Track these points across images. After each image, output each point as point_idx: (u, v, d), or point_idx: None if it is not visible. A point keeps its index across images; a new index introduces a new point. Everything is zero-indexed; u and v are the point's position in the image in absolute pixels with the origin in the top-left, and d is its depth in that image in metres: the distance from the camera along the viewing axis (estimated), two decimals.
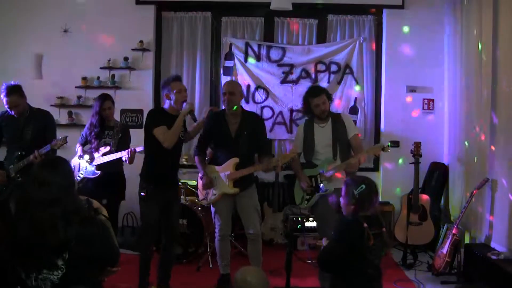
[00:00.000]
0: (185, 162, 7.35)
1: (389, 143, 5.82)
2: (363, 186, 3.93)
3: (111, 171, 6.34)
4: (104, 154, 6.23)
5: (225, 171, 5.66)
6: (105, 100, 6.44)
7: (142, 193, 5.40)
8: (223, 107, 5.80)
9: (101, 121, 6.39)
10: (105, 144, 6.33)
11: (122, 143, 6.39)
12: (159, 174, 5.42)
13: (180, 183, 6.42)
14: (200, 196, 5.94)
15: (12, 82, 5.79)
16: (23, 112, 5.84)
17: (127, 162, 5.96)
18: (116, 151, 6.21)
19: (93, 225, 3.06)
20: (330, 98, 5.80)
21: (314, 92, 5.78)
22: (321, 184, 5.60)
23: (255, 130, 5.69)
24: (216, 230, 5.78)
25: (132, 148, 5.88)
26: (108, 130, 6.43)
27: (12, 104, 5.72)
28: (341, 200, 4.05)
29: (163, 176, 5.45)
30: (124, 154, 5.97)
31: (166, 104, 5.43)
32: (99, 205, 3.52)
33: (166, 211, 5.51)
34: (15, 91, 5.72)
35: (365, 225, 3.79)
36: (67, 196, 3.01)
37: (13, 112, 5.78)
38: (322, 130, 5.71)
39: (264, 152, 5.86)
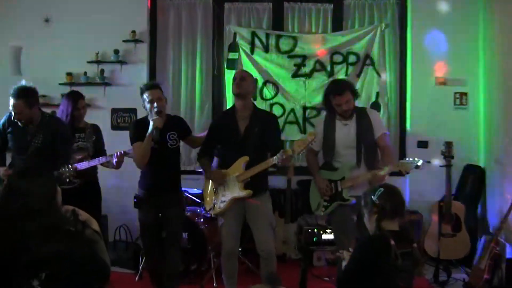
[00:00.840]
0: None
1: (425, 161, 5.68)
2: (381, 189, 3.86)
3: (87, 180, 6.18)
4: (79, 161, 6.06)
5: (233, 173, 5.56)
6: (79, 98, 6.35)
7: (135, 199, 5.71)
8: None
9: (71, 124, 6.24)
10: (80, 149, 6.22)
11: (98, 147, 6.37)
12: (152, 182, 5.65)
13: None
14: (207, 206, 5.86)
15: (25, 83, 5.64)
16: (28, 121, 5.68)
17: (114, 166, 5.83)
18: (94, 156, 6.12)
19: (75, 241, 2.98)
20: (356, 94, 5.77)
21: (337, 89, 5.69)
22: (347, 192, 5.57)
23: (267, 128, 5.61)
24: (222, 246, 5.68)
25: (121, 151, 5.77)
26: (78, 132, 6.30)
27: (14, 109, 5.57)
28: (365, 219, 3.95)
29: (157, 185, 5.64)
30: (112, 158, 5.85)
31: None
32: (87, 216, 3.43)
33: (164, 217, 5.64)
34: (21, 96, 5.56)
35: (392, 242, 3.67)
36: (48, 208, 2.96)
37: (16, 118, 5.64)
38: (345, 129, 5.68)
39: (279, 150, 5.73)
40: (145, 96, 5.52)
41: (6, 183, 3.08)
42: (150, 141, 5.43)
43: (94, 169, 6.18)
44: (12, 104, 5.55)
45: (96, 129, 6.51)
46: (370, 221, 3.87)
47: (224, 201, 5.61)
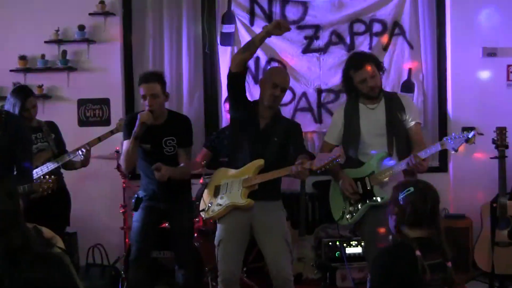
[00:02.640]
0: None
1: (476, 133, 5.39)
2: (411, 189, 3.88)
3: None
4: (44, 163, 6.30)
5: (242, 175, 5.60)
6: (27, 96, 6.42)
7: (134, 200, 5.94)
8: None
9: None
10: (41, 151, 6.40)
11: (59, 144, 6.57)
12: (148, 186, 5.95)
13: None
14: (201, 206, 5.93)
15: None
16: None
17: (81, 162, 6.14)
18: (59, 156, 6.38)
19: (46, 265, 2.99)
20: (381, 68, 5.78)
21: (358, 61, 5.72)
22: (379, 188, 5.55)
23: (290, 138, 5.67)
24: (219, 272, 5.59)
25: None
26: (34, 133, 6.43)
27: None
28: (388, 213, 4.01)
29: (151, 189, 5.93)
30: (77, 153, 6.01)
31: None
32: (51, 234, 3.48)
33: (170, 232, 6.05)
34: None
35: (418, 252, 3.69)
36: (13, 226, 2.96)
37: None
38: (372, 114, 5.70)
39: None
40: (140, 89, 5.76)
41: None
42: (135, 140, 5.59)
43: (59, 172, 6.33)
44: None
45: (52, 126, 6.69)
46: (391, 221, 3.94)
47: (220, 205, 5.62)
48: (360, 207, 5.60)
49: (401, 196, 3.87)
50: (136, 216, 5.93)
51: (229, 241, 5.53)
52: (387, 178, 5.50)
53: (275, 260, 5.45)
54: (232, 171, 5.71)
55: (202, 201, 5.91)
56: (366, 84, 5.60)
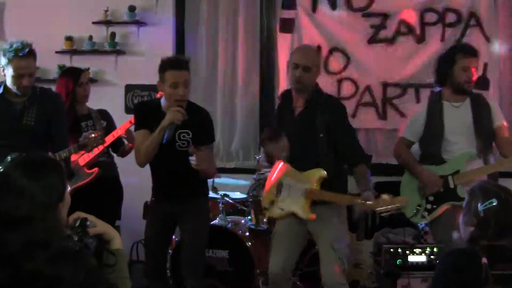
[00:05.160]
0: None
1: None
2: (494, 201, 3.73)
3: (104, 174, 6.42)
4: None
5: (304, 182, 5.55)
6: (81, 71, 6.58)
7: (145, 208, 6.08)
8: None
9: (71, 110, 6.42)
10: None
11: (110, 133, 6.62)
12: (160, 186, 5.80)
13: (214, 195, 6.74)
14: (263, 201, 5.88)
15: (17, 42, 5.59)
16: (27, 89, 5.68)
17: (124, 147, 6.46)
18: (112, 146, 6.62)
19: (66, 263, 2.86)
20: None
21: (472, 49, 5.90)
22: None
23: (333, 124, 5.58)
24: (269, 265, 5.72)
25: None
26: (84, 120, 6.53)
27: (25, 70, 5.52)
28: (461, 220, 3.93)
29: (164, 189, 5.77)
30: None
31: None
32: (106, 228, 3.28)
33: (180, 234, 5.96)
34: (32, 54, 5.56)
35: (484, 260, 3.53)
36: (41, 219, 2.86)
37: (15, 89, 5.59)
38: (457, 112, 5.79)
39: (358, 161, 5.67)
40: (168, 75, 5.43)
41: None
42: (160, 138, 5.38)
43: (112, 162, 6.55)
44: (18, 64, 5.48)
45: (104, 114, 6.80)
46: (465, 230, 3.80)
47: (282, 209, 5.66)
48: (439, 206, 5.71)
49: (481, 208, 3.74)
50: (148, 225, 5.84)
51: (285, 235, 5.65)
52: (478, 177, 5.54)
53: (322, 265, 5.59)
54: (293, 170, 5.65)
55: (266, 195, 5.85)
56: (467, 73, 5.74)
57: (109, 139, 6.38)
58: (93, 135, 5.64)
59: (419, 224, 7.12)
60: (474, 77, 5.77)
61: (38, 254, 2.78)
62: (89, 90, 6.62)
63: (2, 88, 5.56)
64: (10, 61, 5.41)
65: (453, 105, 5.83)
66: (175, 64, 5.47)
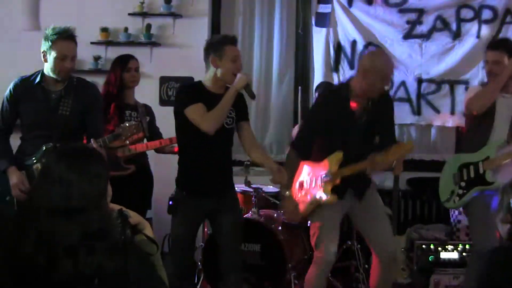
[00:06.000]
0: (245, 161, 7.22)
1: None
2: None
3: (137, 165, 6.43)
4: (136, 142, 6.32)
5: (320, 169, 5.56)
6: (129, 58, 6.61)
7: (171, 202, 5.69)
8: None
9: (118, 96, 6.50)
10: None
11: (152, 128, 6.68)
12: (195, 178, 5.55)
13: (243, 189, 6.78)
14: (301, 206, 5.77)
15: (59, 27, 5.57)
16: (68, 73, 5.65)
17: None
18: (151, 139, 6.51)
19: (124, 254, 2.90)
20: None
21: (492, 43, 6.03)
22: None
23: (384, 119, 5.62)
24: (320, 255, 5.59)
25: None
26: (129, 109, 6.55)
27: (68, 52, 5.49)
28: (497, 218, 3.88)
29: (201, 181, 5.53)
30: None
31: (208, 76, 5.47)
32: (139, 219, 3.37)
33: (215, 229, 5.73)
34: (74, 38, 5.57)
35: None
36: (94, 209, 2.90)
37: (56, 73, 5.53)
38: (508, 101, 5.79)
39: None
40: (228, 50, 5.37)
41: (44, 169, 3.02)
42: (232, 100, 5.31)
43: (144, 152, 6.48)
44: (61, 45, 5.45)
45: (149, 110, 6.83)
46: (503, 228, 3.81)
47: (305, 202, 5.67)
48: (469, 191, 5.70)
49: None
50: (176, 223, 5.62)
51: (333, 222, 5.59)
52: (505, 161, 5.58)
53: (383, 234, 5.60)
54: (309, 163, 5.70)
55: (300, 201, 5.80)
56: (487, 66, 5.84)
57: (142, 147, 6.42)
58: (127, 124, 5.58)
59: (451, 219, 7.16)
60: (494, 69, 5.74)
61: (97, 246, 2.82)
62: (138, 77, 6.64)
63: (39, 76, 5.55)
64: (53, 43, 5.39)
65: (504, 95, 5.81)
66: (232, 39, 5.49)
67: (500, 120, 5.73)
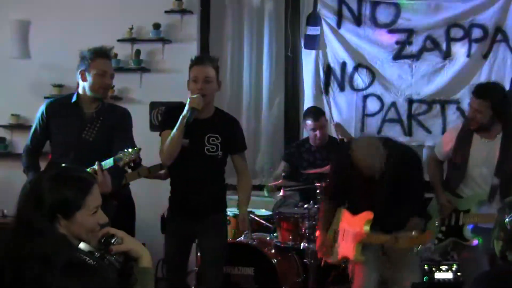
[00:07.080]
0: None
1: None
2: None
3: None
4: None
5: (353, 226, 5.59)
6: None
7: (161, 221, 6.11)
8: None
9: None
10: None
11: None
12: (178, 198, 5.73)
13: (236, 212, 6.59)
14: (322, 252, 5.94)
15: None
16: (107, 89, 5.85)
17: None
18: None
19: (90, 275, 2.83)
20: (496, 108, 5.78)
21: (479, 90, 5.87)
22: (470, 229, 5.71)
23: (406, 176, 5.51)
24: None
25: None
26: None
27: (108, 68, 5.68)
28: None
29: (182, 202, 5.67)
30: None
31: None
32: (134, 245, 3.32)
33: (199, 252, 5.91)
34: (109, 54, 5.78)
35: None
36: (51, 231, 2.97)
37: (97, 89, 5.63)
38: (485, 147, 5.79)
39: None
40: (191, 73, 5.58)
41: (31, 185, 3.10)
42: (183, 127, 5.38)
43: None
44: (101, 62, 5.59)
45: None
46: (497, 245, 3.81)
47: (338, 254, 5.75)
48: (447, 238, 5.90)
49: (508, 219, 3.71)
50: (167, 240, 5.85)
51: (370, 265, 5.60)
52: (483, 224, 5.62)
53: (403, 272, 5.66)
54: (348, 217, 5.72)
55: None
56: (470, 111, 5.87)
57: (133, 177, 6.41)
58: (130, 149, 5.35)
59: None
60: (474, 117, 5.74)
61: (44, 265, 2.77)
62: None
63: (75, 96, 5.65)
64: (92, 61, 5.52)
65: (483, 140, 5.82)
66: (197, 59, 5.64)
67: (476, 165, 5.79)
